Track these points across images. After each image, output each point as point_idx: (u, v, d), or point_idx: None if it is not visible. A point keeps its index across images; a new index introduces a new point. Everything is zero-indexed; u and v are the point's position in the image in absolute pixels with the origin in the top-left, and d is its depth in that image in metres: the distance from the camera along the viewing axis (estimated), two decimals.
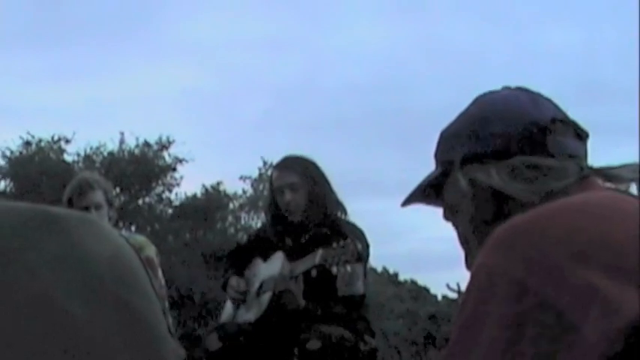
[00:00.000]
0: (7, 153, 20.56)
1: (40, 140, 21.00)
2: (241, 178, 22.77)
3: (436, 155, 1.41)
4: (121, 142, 21.44)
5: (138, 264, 0.98)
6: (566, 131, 1.31)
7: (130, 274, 0.96)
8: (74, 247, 0.93)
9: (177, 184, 22.01)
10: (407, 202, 1.46)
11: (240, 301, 3.82)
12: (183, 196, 22.09)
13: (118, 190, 19.21)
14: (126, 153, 21.44)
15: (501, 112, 1.33)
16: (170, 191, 22.05)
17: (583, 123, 1.34)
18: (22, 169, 20.05)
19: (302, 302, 3.55)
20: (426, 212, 1.48)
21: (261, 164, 22.08)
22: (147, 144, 21.41)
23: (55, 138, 21.09)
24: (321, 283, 3.53)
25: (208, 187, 22.09)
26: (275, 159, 4.10)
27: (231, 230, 22.06)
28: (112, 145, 21.45)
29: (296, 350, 3.52)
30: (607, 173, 1.28)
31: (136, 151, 21.39)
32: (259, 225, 15.60)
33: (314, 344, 3.49)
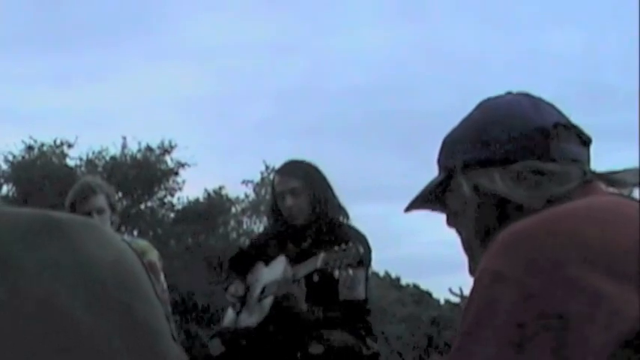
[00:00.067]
0: (10, 157, 20.58)
1: (43, 144, 21.02)
2: (243, 182, 22.79)
3: (439, 161, 1.41)
4: (124, 146, 21.47)
5: (140, 269, 0.98)
6: (568, 136, 1.31)
7: (132, 279, 0.96)
8: (76, 252, 0.93)
9: (180, 189, 22.03)
10: (410, 207, 1.46)
11: (238, 306, 3.82)
12: (185, 201, 22.11)
13: (120, 194, 19.22)
14: (128, 157, 21.45)
15: (504, 117, 1.33)
16: (172, 195, 22.07)
17: (585, 127, 1.35)
18: (24, 173, 20.06)
19: (304, 306, 3.55)
20: (428, 216, 1.49)
21: (263, 168, 22.11)
22: (149, 148, 21.43)
23: (58, 142, 21.11)
24: (323, 287, 3.53)
25: (210, 191, 22.11)
26: (277, 163, 4.11)
27: (234, 235, 22.07)
28: (115, 150, 21.48)
29: (298, 354, 3.52)
30: (610, 178, 1.28)
31: (139, 156, 21.40)
32: (261, 229, 15.61)
33: (316, 348, 3.49)
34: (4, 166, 20.26)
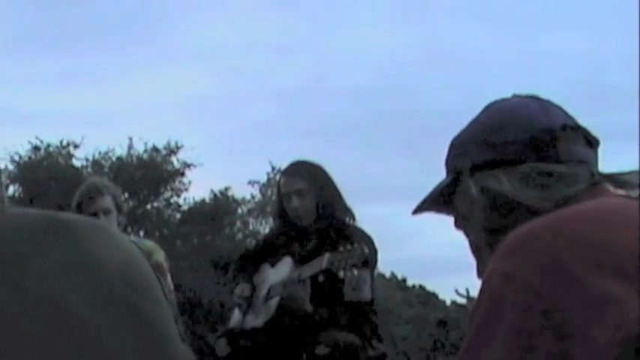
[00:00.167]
0: (16, 158, 20.62)
1: (49, 145, 21.05)
2: (250, 183, 22.81)
3: (447, 163, 1.41)
4: (130, 147, 21.50)
5: (149, 270, 0.98)
6: (576, 138, 1.31)
7: (140, 279, 0.96)
8: (85, 254, 0.94)
9: (186, 189, 22.05)
10: (417, 210, 1.46)
11: (244, 307, 3.82)
12: (191, 201, 22.13)
13: (126, 195, 19.25)
14: (134, 158, 21.47)
15: (512, 119, 1.33)
16: (178, 196, 22.10)
17: (592, 129, 1.35)
18: (30, 174, 20.10)
19: (309, 307, 3.55)
20: (434, 217, 1.49)
21: (269, 169, 22.12)
22: (155, 149, 21.45)
23: (64, 143, 21.14)
24: (328, 288, 3.53)
25: (217, 192, 22.11)
26: (283, 164, 4.11)
27: (240, 235, 22.08)
28: (121, 150, 21.51)
29: (304, 355, 3.52)
30: (617, 179, 1.28)
31: (145, 156, 21.43)
32: (267, 230, 15.62)
33: (322, 349, 3.49)
34: (11, 167, 20.29)
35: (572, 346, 0.95)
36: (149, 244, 4.17)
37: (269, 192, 21.18)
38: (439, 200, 1.41)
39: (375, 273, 3.83)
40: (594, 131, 1.34)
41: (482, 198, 1.31)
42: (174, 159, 21.64)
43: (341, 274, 3.39)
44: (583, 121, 1.35)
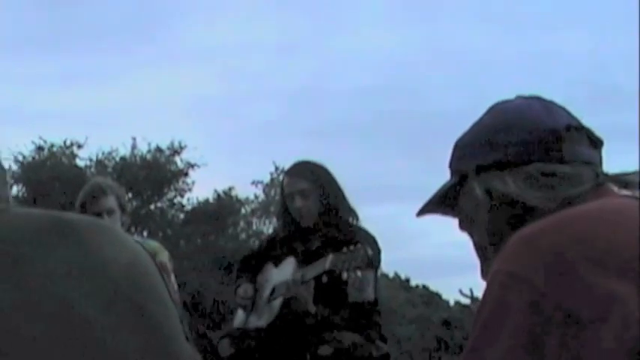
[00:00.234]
0: (20, 158, 20.64)
1: (53, 145, 21.07)
2: (253, 183, 22.83)
3: (451, 165, 1.41)
4: (133, 147, 21.52)
5: (154, 270, 0.99)
6: (580, 138, 1.31)
7: (146, 280, 0.96)
8: (90, 254, 0.94)
9: (189, 189, 22.08)
10: (422, 212, 1.46)
11: (247, 307, 3.82)
12: (195, 201, 22.15)
13: (130, 195, 19.25)
14: (138, 158, 21.49)
15: (516, 120, 1.33)
16: (182, 196, 22.12)
17: (595, 129, 1.35)
18: (34, 174, 20.11)
19: (312, 308, 3.55)
20: (437, 218, 1.48)
21: (272, 169, 22.13)
22: (159, 149, 21.47)
23: (68, 143, 21.17)
24: (331, 289, 3.53)
25: (220, 192, 22.12)
26: (287, 163, 4.10)
27: (243, 235, 22.09)
28: (124, 150, 21.53)
29: (308, 356, 3.52)
30: (622, 180, 1.28)
31: (148, 157, 21.44)
32: (271, 230, 15.60)
33: (326, 350, 3.49)
34: (14, 167, 20.31)
35: (577, 347, 0.95)
36: (153, 244, 4.17)
37: (272, 192, 21.19)
38: (443, 202, 1.41)
39: (379, 273, 3.82)
40: (598, 131, 1.34)
41: (486, 199, 1.31)
42: (177, 159, 21.67)
43: (344, 275, 3.39)
44: (587, 121, 1.35)
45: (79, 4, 36.19)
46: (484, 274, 1.33)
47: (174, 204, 22.05)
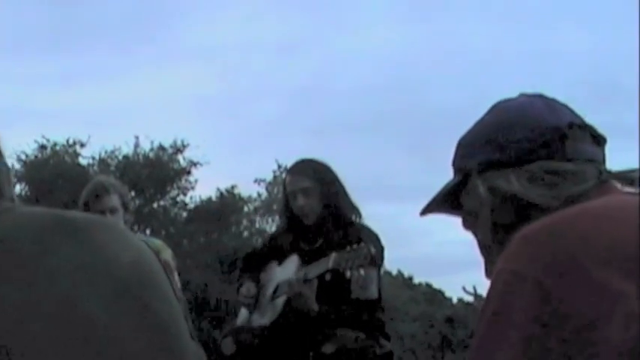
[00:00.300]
0: (23, 157, 20.65)
1: (55, 144, 21.09)
2: (256, 181, 22.84)
3: (454, 163, 1.41)
4: (136, 145, 21.54)
5: (159, 268, 0.99)
6: (583, 136, 1.31)
7: (151, 277, 0.96)
8: (95, 252, 0.94)
9: (192, 188, 22.09)
10: (425, 211, 1.46)
11: (250, 305, 3.82)
12: (197, 200, 22.16)
13: (132, 193, 19.25)
14: (141, 156, 21.50)
15: (518, 118, 1.33)
16: (185, 195, 22.13)
17: (599, 126, 1.35)
18: (37, 172, 20.13)
19: (315, 306, 3.55)
20: (441, 216, 1.49)
21: (275, 167, 22.14)
22: (162, 147, 21.48)
23: (70, 142, 21.18)
24: (335, 287, 3.53)
25: (223, 190, 22.13)
26: (289, 162, 4.10)
27: (246, 233, 22.09)
28: (127, 149, 21.55)
29: (311, 354, 3.52)
30: (626, 177, 1.28)
31: (151, 155, 21.45)
32: (274, 228, 15.59)
33: (329, 348, 3.49)
34: (17, 166, 20.33)
35: (584, 344, 0.95)
36: (157, 242, 4.17)
37: (275, 190, 21.19)
38: (447, 200, 1.41)
39: (382, 271, 3.82)
40: (601, 129, 1.34)
41: (490, 197, 1.31)
42: (180, 157, 21.68)
43: (347, 274, 3.39)
44: (590, 119, 1.35)
45: (81, 4, 36.22)
46: (488, 272, 1.33)
47: (177, 202, 22.06)
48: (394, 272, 30.18)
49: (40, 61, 33.84)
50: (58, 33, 35.30)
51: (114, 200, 3.87)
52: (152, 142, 21.44)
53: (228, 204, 21.87)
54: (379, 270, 3.67)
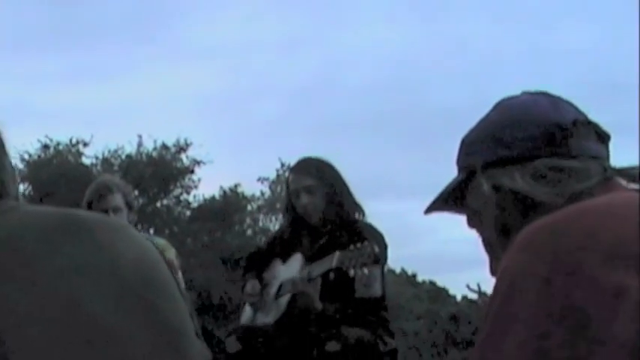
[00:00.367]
0: (26, 156, 20.67)
1: (59, 143, 21.11)
2: (259, 179, 22.84)
3: (458, 161, 1.41)
4: (139, 144, 21.55)
5: (164, 267, 0.99)
6: (587, 133, 1.30)
7: (156, 276, 0.96)
8: (99, 251, 0.94)
9: (195, 187, 22.10)
10: (430, 209, 1.46)
11: (254, 304, 3.83)
12: (201, 198, 22.17)
13: (136, 192, 19.26)
14: (144, 156, 21.52)
15: (522, 116, 1.32)
16: (188, 193, 22.15)
17: (603, 123, 1.34)
18: (40, 172, 20.15)
19: (319, 305, 3.55)
20: (445, 214, 1.48)
21: (279, 165, 22.15)
22: (165, 146, 21.49)
23: (74, 141, 21.21)
24: (338, 286, 3.53)
25: (226, 189, 22.14)
26: (292, 160, 4.10)
27: (249, 232, 22.10)
28: (130, 148, 21.56)
29: (315, 352, 3.52)
30: (630, 174, 1.28)
31: (154, 154, 21.46)
32: (277, 227, 15.61)
33: (333, 346, 3.49)
34: (20, 166, 20.34)
35: (590, 341, 0.95)
36: (161, 241, 4.18)
37: (278, 189, 21.19)
38: (451, 199, 1.41)
39: (386, 269, 3.82)
40: (610, 126, 1.34)
41: (494, 195, 1.31)
42: (183, 156, 21.69)
43: (351, 272, 3.39)
44: (594, 116, 1.35)
45: (82, 3, 36.25)
46: (493, 270, 1.33)
47: (180, 201, 22.08)
48: (398, 270, 30.18)
49: (41, 61, 33.88)
50: (60, 32, 35.33)
51: (117, 199, 3.87)
52: (155, 141, 21.47)
53: (231, 203, 21.88)
54: (383, 268, 3.67)
